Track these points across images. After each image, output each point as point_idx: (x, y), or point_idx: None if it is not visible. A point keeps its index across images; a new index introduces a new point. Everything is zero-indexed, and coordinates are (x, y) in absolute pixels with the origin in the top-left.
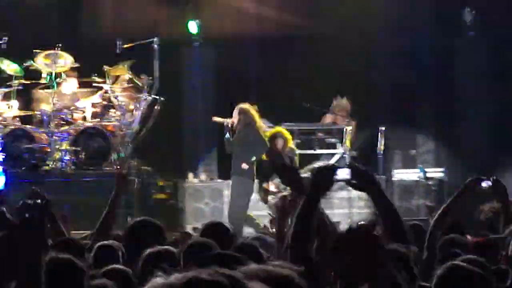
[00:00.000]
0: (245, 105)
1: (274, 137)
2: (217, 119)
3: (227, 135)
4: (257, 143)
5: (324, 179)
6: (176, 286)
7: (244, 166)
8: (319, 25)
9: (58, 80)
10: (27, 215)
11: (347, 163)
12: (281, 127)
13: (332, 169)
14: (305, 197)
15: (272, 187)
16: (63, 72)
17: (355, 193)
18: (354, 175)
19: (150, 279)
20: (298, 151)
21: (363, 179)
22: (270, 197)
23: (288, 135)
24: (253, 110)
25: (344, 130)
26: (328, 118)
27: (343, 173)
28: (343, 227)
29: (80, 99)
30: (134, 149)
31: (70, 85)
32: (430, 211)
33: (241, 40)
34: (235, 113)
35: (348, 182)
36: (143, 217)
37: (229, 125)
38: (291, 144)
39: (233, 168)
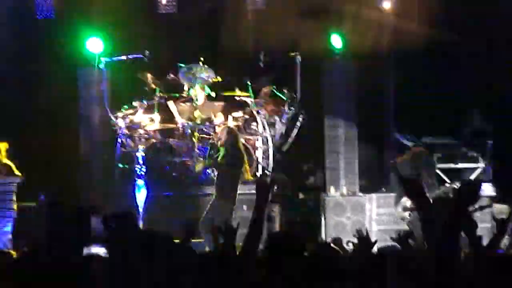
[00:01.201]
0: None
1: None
2: None
3: None
4: None
5: (470, 194)
6: None
7: None
8: (462, 39)
9: (200, 93)
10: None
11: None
12: None
13: (478, 184)
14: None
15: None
16: (205, 86)
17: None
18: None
19: None
20: (439, 165)
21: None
22: (406, 213)
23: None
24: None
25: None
26: None
27: (488, 189)
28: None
29: (222, 113)
30: (276, 163)
31: (211, 99)
32: None
33: (381, 53)
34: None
35: (492, 198)
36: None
37: None
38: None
39: None
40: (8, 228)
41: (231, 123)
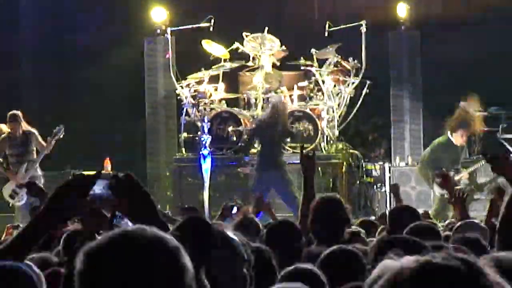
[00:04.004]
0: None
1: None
2: None
3: None
4: None
5: None
6: (407, 269)
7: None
8: None
9: (265, 63)
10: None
11: None
12: None
13: None
14: None
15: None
16: (270, 55)
17: None
18: None
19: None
20: (505, 136)
21: None
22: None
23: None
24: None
25: None
26: None
27: None
28: None
29: (287, 82)
30: (341, 133)
31: (277, 68)
32: None
33: (446, 23)
34: None
35: None
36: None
37: None
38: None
39: None
40: None
41: (296, 92)
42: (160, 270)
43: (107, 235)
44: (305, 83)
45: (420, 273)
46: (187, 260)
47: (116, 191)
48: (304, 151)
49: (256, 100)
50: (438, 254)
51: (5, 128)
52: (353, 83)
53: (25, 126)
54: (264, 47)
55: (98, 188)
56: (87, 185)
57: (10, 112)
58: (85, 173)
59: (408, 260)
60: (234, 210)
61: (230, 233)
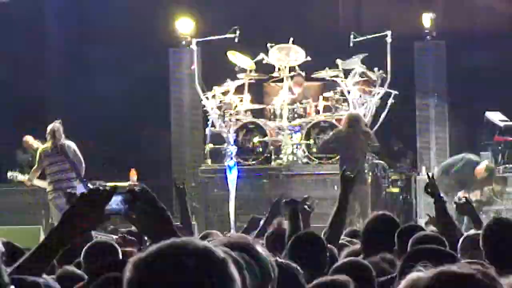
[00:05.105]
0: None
1: None
2: None
3: None
4: None
5: None
6: (424, 278)
7: None
8: None
9: (290, 74)
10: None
11: None
12: None
13: None
14: None
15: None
16: (295, 66)
17: None
18: None
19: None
20: None
21: None
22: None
23: None
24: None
25: None
26: None
27: None
28: None
29: (313, 93)
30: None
31: (301, 79)
32: None
33: (473, 34)
34: None
35: None
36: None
37: None
38: None
39: None
40: None
41: (321, 103)
42: (208, 281)
43: (156, 246)
44: (330, 94)
45: (435, 280)
46: (234, 271)
47: (132, 205)
48: (345, 173)
49: (281, 110)
50: (456, 264)
51: (33, 140)
52: (378, 93)
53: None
54: (289, 58)
55: (115, 203)
56: (103, 199)
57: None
58: (103, 185)
59: (429, 271)
60: (261, 222)
61: (259, 248)
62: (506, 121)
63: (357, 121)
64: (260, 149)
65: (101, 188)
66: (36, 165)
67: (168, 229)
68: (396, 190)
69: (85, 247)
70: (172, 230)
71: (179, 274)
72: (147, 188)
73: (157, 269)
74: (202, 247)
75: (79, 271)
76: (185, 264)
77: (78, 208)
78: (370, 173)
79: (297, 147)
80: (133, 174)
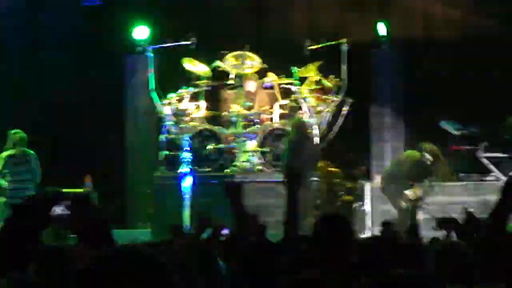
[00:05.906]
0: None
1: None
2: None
3: None
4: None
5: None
6: None
7: None
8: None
9: (245, 81)
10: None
11: None
12: None
13: None
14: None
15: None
16: (251, 73)
17: None
18: None
19: None
20: (486, 154)
21: None
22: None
23: None
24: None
25: None
26: None
27: None
28: None
29: (268, 100)
30: (322, 151)
31: (256, 86)
32: None
33: (428, 42)
34: None
35: None
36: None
37: None
38: None
39: None
40: None
41: (277, 110)
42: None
43: (98, 252)
44: (286, 101)
45: None
46: (175, 277)
47: (74, 212)
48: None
49: (237, 118)
50: None
51: None
52: (334, 101)
53: None
54: (245, 65)
55: (59, 208)
56: (48, 205)
57: None
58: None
59: None
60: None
61: None
62: (462, 129)
63: (302, 127)
64: (215, 157)
65: (45, 194)
66: None
67: (105, 235)
68: (350, 198)
69: None
70: (109, 237)
71: (120, 279)
72: (90, 196)
73: (99, 274)
74: (144, 252)
75: None
76: (126, 270)
77: (21, 214)
78: (323, 180)
79: (252, 155)
80: (88, 180)
